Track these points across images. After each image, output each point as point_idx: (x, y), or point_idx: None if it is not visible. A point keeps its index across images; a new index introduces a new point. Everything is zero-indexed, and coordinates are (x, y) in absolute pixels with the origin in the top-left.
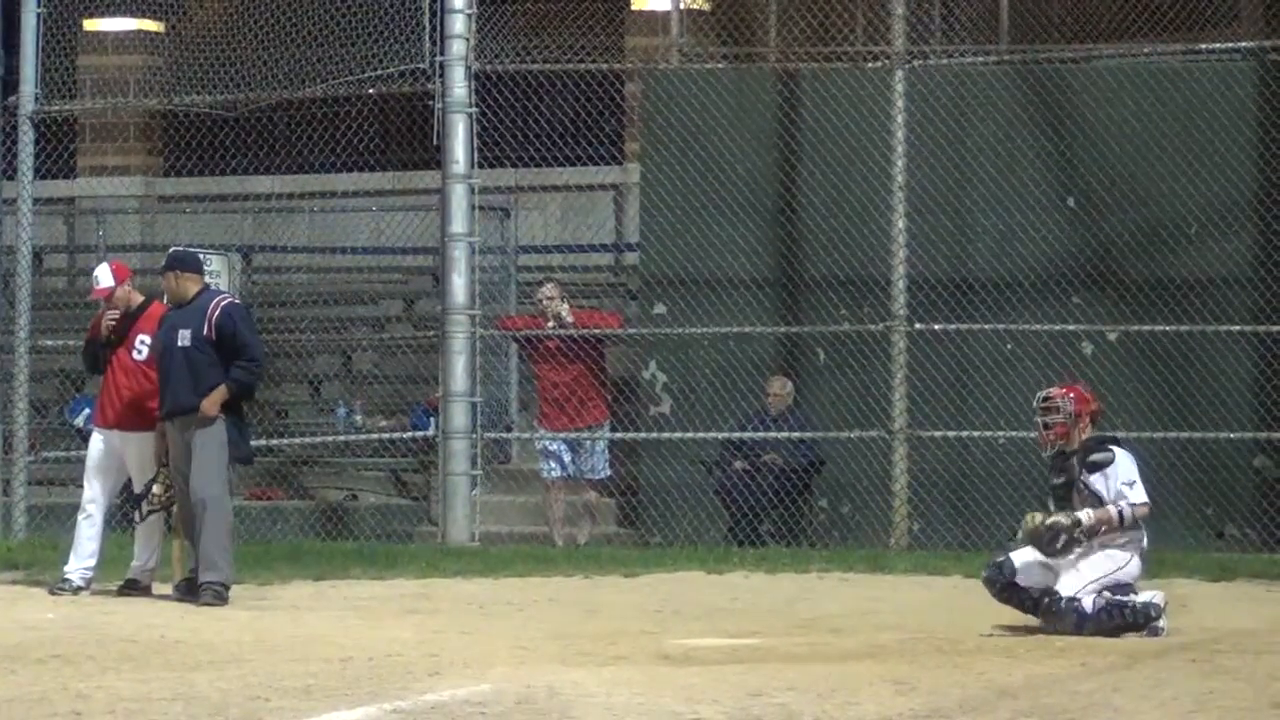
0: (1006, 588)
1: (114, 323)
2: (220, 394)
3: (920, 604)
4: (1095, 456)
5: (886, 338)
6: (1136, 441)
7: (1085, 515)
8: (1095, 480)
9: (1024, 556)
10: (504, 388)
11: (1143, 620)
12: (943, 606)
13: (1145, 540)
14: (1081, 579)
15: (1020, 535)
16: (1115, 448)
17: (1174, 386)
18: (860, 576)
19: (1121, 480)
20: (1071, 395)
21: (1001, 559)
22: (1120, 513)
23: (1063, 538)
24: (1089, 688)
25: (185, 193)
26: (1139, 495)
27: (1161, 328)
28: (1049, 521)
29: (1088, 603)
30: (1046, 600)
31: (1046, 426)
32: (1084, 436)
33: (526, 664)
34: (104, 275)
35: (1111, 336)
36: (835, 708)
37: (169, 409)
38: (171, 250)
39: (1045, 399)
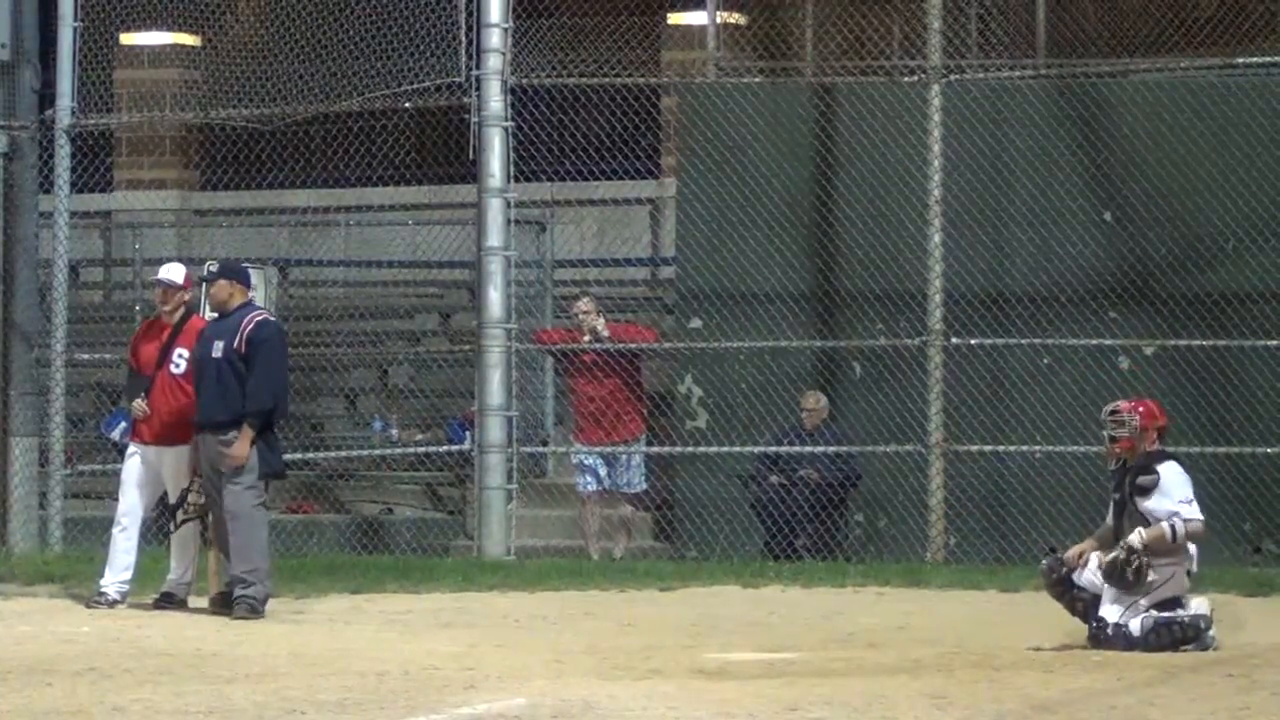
0: (1062, 581)
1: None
2: (247, 436)
3: (957, 618)
4: (1141, 480)
5: (923, 352)
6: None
7: (1136, 537)
8: (1144, 503)
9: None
10: (540, 402)
11: (1192, 634)
12: (979, 621)
13: (1195, 558)
14: (1125, 599)
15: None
16: (1163, 466)
17: (1211, 401)
18: (896, 591)
19: (1178, 499)
20: (1140, 410)
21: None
22: (1172, 528)
23: (1128, 570)
24: (1126, 702)
25: (221, 206)
26: (1191, 512)
27: (1198, 342)
28: (1106, 560)
29: (1135, 625)
30: (1094, 625)
31: (1112, 439)
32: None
33: (562, 677)
34: (177, 272)
35: (1148, 351)
36: None
37: (200, 420)
38: (222, 260)
39: (1113, 412)
